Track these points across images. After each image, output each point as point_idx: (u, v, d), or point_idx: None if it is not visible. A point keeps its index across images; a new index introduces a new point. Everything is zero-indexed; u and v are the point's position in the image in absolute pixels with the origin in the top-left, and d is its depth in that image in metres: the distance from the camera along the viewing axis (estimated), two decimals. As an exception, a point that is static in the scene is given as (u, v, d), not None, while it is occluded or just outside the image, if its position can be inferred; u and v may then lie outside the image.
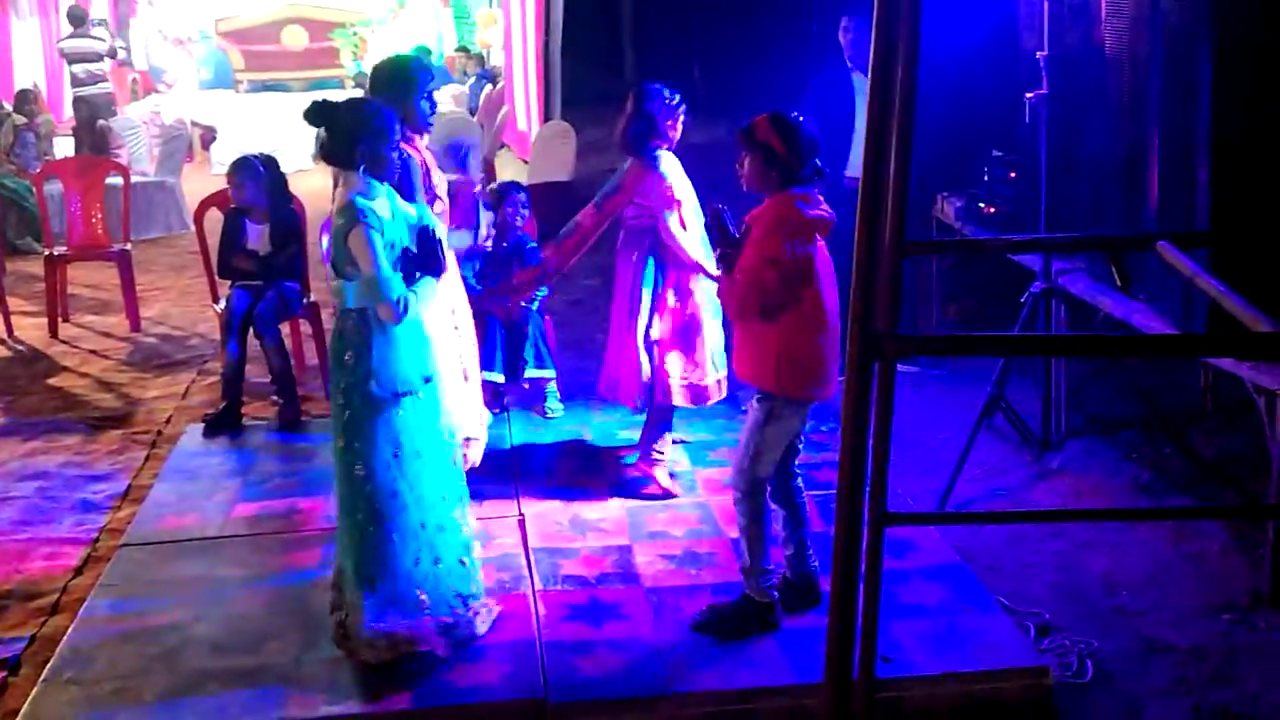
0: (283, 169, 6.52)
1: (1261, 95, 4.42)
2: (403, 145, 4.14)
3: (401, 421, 3.78)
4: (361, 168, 3.73)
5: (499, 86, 15.05)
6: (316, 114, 3.78)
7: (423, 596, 3.85)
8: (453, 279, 4.66)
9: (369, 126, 3.74)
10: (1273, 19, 4.42)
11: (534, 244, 5.89)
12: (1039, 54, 5.19)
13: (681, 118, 4.87)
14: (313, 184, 9.71)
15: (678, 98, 4.84)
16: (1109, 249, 5.17)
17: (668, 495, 4.94)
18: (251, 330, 6.13)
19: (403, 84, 4.38)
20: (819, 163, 3.86)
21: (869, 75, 1.73)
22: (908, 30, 1.71)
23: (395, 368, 3.75)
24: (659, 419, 5.04)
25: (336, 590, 3.95)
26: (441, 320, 4.43)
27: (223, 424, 5.95)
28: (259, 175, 6.34)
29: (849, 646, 1.88)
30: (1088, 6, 5.53)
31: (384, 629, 3.76)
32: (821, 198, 3.87)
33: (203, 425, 5.98)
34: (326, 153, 3.85)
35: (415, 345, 3.81)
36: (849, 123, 6.69)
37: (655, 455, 5.04)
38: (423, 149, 4.47)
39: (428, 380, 3.85)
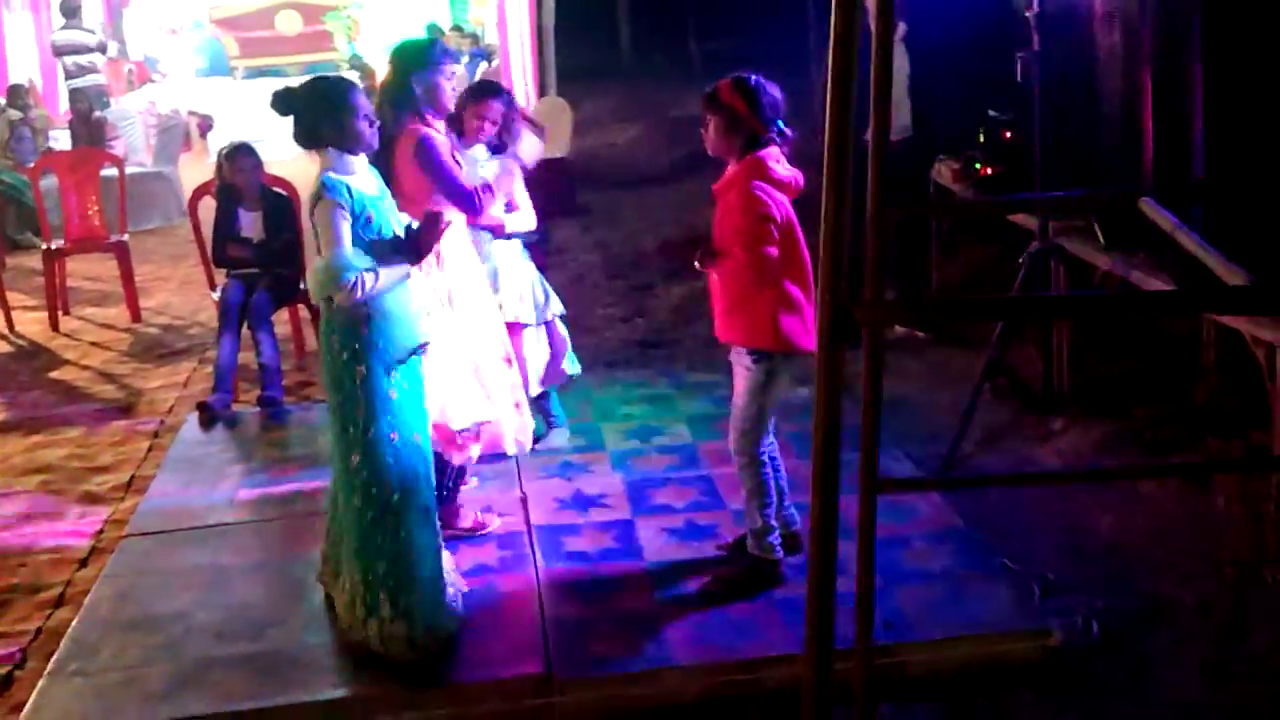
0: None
1: (1254, 46, 4.37)
2: (422, 125, 4.20)
3: (399, 397, 3.68)
4: (329, 145, 3.67)
5: (494, 65, 14.98)
6: (279, 102, 3.71)
7: (453, 579, 3.88)
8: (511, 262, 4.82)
9: (327, 102, 3.68)
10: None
11: None
12: (1028, 11, 5.13)
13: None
14: (306, 169, 9.67)
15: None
16: (1095, 206, 5.12)
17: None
18: (245, 322, 6.11)
19: (425, 61, 4.29)
20: (782, 124, 3.85)
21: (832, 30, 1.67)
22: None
23: (388, 340, 3.65)
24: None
25: (331, 576, 3.92)
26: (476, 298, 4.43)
27: (216, 415, 5.93)
28: (259, 158, 6.34)
29: (829, 613, 1.86)
30: (1078, -39, 5.47)
31: (439, 623, 3.74)
32: (787, 161, 3.87)
33: (198, 412, 5.96)
34: (296, 138, 3.76)
35: (404, 318, 3.72)
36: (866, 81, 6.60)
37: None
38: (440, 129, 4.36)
39: (418, 351, 3.76)
